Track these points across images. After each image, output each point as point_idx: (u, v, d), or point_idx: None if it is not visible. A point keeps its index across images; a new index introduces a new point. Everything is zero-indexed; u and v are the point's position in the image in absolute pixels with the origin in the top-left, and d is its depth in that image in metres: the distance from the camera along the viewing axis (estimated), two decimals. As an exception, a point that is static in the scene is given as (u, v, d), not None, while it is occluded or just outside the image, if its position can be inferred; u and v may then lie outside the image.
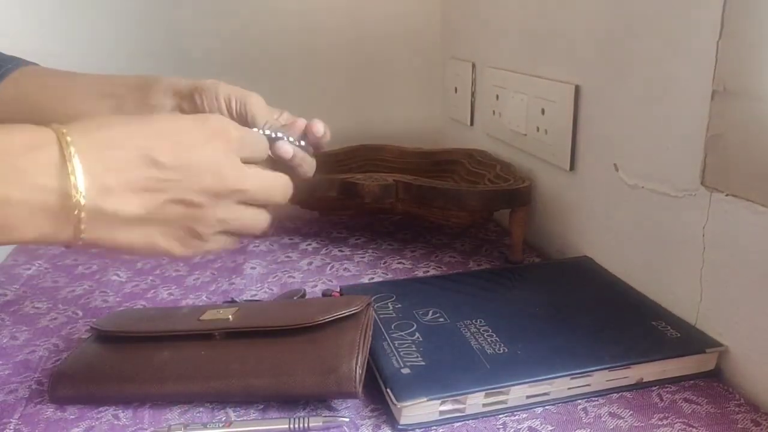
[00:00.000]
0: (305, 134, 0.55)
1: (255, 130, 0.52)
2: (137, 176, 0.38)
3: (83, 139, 0.37)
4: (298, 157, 0.53)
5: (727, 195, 0.55)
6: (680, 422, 0.50)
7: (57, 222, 0.36)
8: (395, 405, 0.49)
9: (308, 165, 0.55)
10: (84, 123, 0.39)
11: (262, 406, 0.53)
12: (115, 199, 0.38)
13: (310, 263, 0.83)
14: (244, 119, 0.54)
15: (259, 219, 0.47)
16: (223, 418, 0.52)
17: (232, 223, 0.45)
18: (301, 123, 0.56)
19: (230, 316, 0.57)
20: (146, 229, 0.40)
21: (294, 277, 0.79)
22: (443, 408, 0.50)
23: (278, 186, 0.48)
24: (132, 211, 0.38)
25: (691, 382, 0.55)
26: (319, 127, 0.55)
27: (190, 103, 0.56)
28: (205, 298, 0.74)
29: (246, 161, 0.45)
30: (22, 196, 0.35)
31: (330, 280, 0.78)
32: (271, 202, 0.48)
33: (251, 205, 0.46)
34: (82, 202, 0.36)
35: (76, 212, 0.36)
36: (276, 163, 0.53)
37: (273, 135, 0.53)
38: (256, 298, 0.74)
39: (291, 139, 0.54)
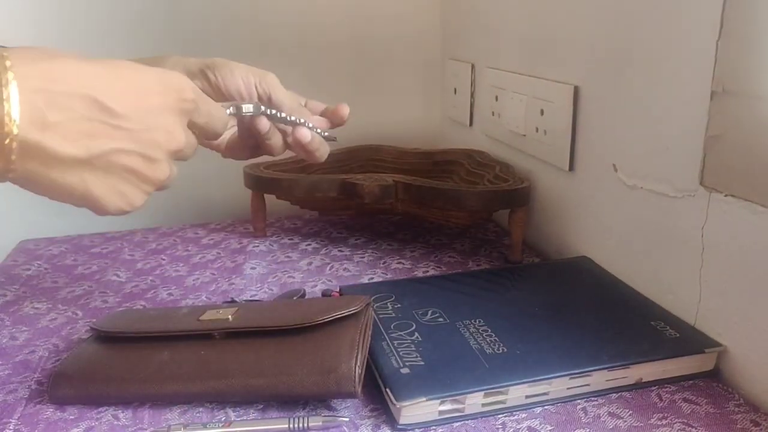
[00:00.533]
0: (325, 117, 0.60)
1: (274, 112, 0.55)
2: (82, 117, 0.35)
3: (27, 67, 0.34)
4: (316, 142, 0.58)
5: (726, 195, 0.55)
6: (679, 422, 0.50)
7: None
8: (394, 405, 0.49)
9: (323, 150, 0.60)
10: (34, 50, 0.35)
11: (261, 406, 0.53)
12: (55, 136, 0.35)
13: (310, 263, 0.84)
14: (265, 98, 0.57)
15: (173, 175, 0.43)
16: (223, 418, 0.52)
17: (165, 182, 0.42)
18: (320, 105, 0.58)
19: (230, 316, 0.57)
20: (84, 174, 0.37)
21: (294, 277, 0.79)
22: (442, 408, 0.50)
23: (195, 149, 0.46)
24: (72, 153, 0.35)
25: (691, 382, 0.55)
26: (346, 111, 0.63)
27: (203, 80, 0.55)
28: (204, 298, 0.74)
29: (193, 126, 0.44)
30: None
31: (330, 280, 0.78)
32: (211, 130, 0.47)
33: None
34: (15, 132, 0.33)
35: (7, 141, 0.33)
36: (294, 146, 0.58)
37: (293, 119, 0.56)
38: (255, 298, 0.74)
39: (310, 124, 0.58)
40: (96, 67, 0.37)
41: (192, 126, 0.44)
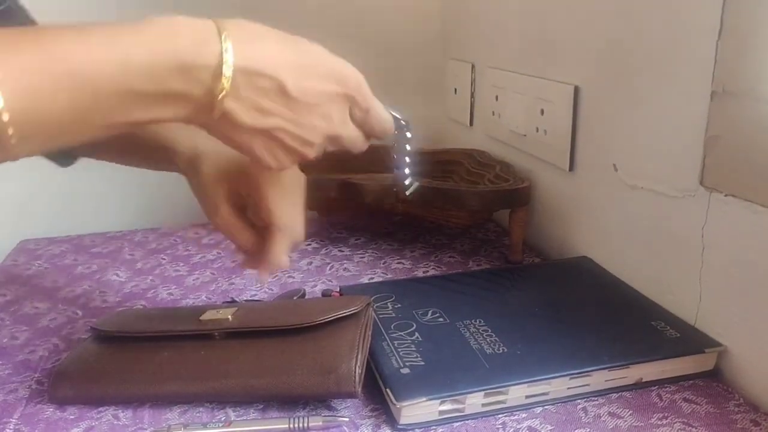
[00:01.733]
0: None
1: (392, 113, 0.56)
2: (266, 96, 0.43)
3: (237, 46, 0.41)
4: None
5: (726, 195, 0.55)
6: (679, 422, 0.50)
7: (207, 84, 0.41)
8: (395, 405, 0.49)
9: None
10: (243, 29, 0.43)
11: (261, 406, 0.53)
12: (242, 107, 0.42)
13: (310, 263, 0.84)
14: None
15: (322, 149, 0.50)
16: (223, 418, 0.52)
17: (313, 157, 0.50)
18: None
19: (230, 316, 0.57)
20: (253, 137, 0.45)
21: (294, 277, 0.79)
22: (443, 408, 0.50)
23: (360, 142, 0.52)
24: (249, 123, 0.43)
25: (691, 381, 0.55)
26: None
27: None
28: (204, 298, 0.74)
29: (356, 121, 0.50)
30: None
31: (330, 280, 0.78)
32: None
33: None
34: (224, 92, 0.41)
35: (219, 97, 0.41)
36: None
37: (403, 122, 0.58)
38: (255, 298, 0.74)
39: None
40: (287, 52, 0.45)
41: (353, 119, 0.50)
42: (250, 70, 0.42)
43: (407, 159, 0.58)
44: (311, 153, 0.49)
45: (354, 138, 0.51)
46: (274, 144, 0.46)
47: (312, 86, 0.45)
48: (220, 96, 0.41)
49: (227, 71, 0.40)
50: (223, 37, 0.41)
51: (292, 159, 0.49)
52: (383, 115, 0.54)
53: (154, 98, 0.40)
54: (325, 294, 0.71)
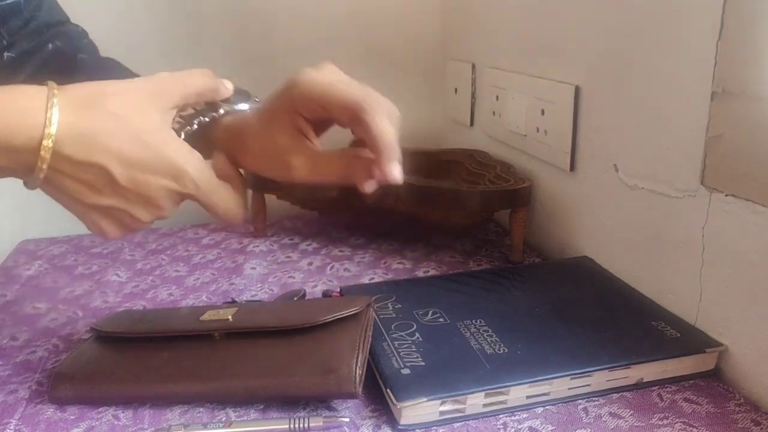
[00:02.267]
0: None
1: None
2: (92, 180, 0.44)
3: (67, 131, 0.42)
4: None
5: (726, 195, 0.55)
6: (680, 422, 0.50)
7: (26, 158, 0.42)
8: (395, 405, 0.49)
9: None
10: (77, 101, 0.43)
11: (262, 407, 0.53)
12: (69, 183, 0.43)
13: (311, 263, 0.84)
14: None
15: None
16: (223, 419, 0.52)
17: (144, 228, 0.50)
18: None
19: (230, 317, 0.57)
20: (84, 210, 0.46)
21: (294, 278, 0.79)
22: (443, 408, 0.50)
23: (224, 207, 0.50)
24: (79, 198, 0.44)
25: (691, 381, 0.55)
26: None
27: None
28: (205, 299, 0.74)
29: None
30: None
31: (330, 281, 0.78)
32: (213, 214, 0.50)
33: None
34: (51, 146, 0.41)
35: (42, 153, 0.41)
36: None
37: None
38: (256, 298, 0.74)
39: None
40: (123, 143, 0.43)
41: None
42: (76, 159, 0.42)
43: None
44: (141, 227, 0.49)
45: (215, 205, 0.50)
46: (106, 219, 0.47)
47: (144, 180, 0.45)
48: (40, 175, 0.42)
49: (45, 154, 0.41)
50: (49, 120, 0.41)
51: (123, 231, 0.49)
52: (226, 203, 0.50)
53: None
54: (326, 294, 0.71)
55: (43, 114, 0.41)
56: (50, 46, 0.64)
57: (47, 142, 0.41)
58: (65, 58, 0.64)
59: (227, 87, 0.52)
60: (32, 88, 0.42)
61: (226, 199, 0.50)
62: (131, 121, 0.44)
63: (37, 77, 0.53)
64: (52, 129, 0.41)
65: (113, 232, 0.48)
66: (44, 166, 0.42)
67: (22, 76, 0.62)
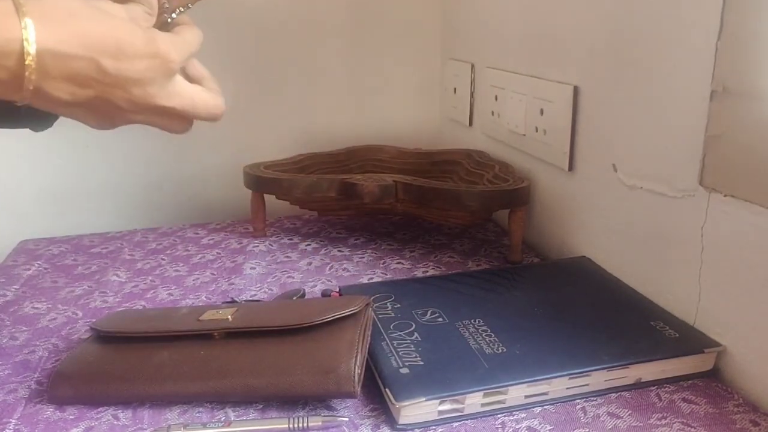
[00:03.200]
0: None
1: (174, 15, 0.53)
2: (78, 72, 0.43)
3: (43, 26, 0.41)
4: None
5: (725, 195, 0.55)
6: (679, 422, 0.50)
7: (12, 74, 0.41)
8: (394, 405, 0.50)
9: None
10: (52, 9, 0.42)
11: (261, 406, 0.53)
12: (55, 84, 0.43)
13: (310, 263, 0.84)
14: None
15: (175, 127, 0.51)
16: (223, 418, 0.52)
17: (150, 123, 0.50)
18: None
19: (229, 317, 0.57)
20: (72, 108, 0.46)
21: (293, 277, 0.79)
22: (442, 408, 0.51)
23: (204, 106, 0.51)
24: (63, 98, 0.44)
25: (690, 381, 0.55)
26: None
27: None
28: (204, 298, 0.74)
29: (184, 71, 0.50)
30: None
31: (329, 280, 0.78)
32: (196, 118, 0.51)
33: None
34: (33, 67, 0.41)
35: (26, 74, 0.41)
36: None
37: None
38: (255, 298, 0.74)
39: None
40: (101, 27, 0.44)
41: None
42: (61, 52, 0.42)
43: None
44: (123, 122, 0.49)
45: (197, 102, 0.50)
46: (92, 111, 0.47)
47: (129, 61, 0.45)
48: (27, 79, 0.41)
49: (29, 58, 0.40)
50: (23, 20, 0.40)
51: (109, 123, 0.49)
52: (192, 39, 0.51)
53: None
54: (325, 294, 0.72)
55: (18, 26, 0.40)
56: None
57: (29, 47, 0.40)
58: None
59: None
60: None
61: (194, 42, 0.51)
62: (101, 10, 0.45)
63: None
64: (29, 34, 0.40)
65: (102, 125, 0.49)
66: (33, 75, 0.41)
67: None
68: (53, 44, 0.41)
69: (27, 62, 0.40)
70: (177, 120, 0.51)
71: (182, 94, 0.49)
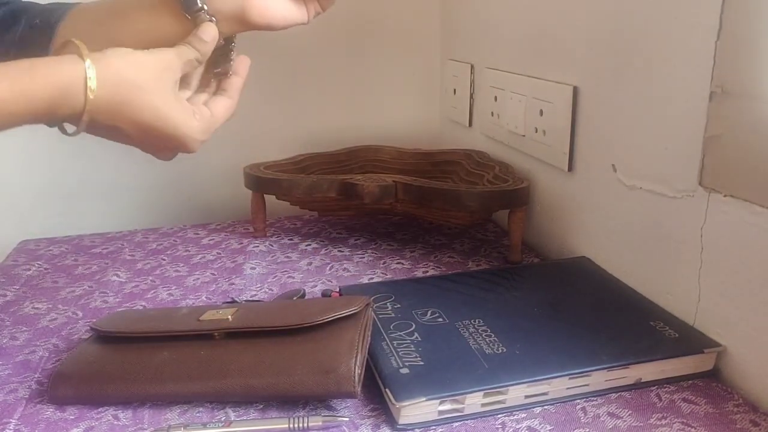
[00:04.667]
0: None
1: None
2: (113, 135, 0.51)
3: (101, 91, 0.47)
4: None
5: (725, 196, 0.55)
6: (679, 422, 0.50)
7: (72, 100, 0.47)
8: (394, 405, 0.50)
9: None
10: (107, 73, 0.48)
11: (261, 406, 0.53)
12: (95, 131, 0.50)
13: (310, 263, 0.84)
14: None
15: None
16: (223, 418, 0.52)
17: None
18: None
19: (230, 317, 0.57)
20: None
21: (293, 278, 0.79)
22: (442, 408, 0.51)
23: (223, 119, 0.57)
24: (106, 137, 0.52)
25: (690, 382, 0.55)
26: None
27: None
28: (204, 299, 0.74)
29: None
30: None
31: (329, 281, 0.78)
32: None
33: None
34: (92, 96, 0.47)
35: (84, 118, 0.48)
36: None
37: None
38: (255, 298, 0.74)
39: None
40: (141, 105, 0.50)
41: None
42: (103, 124, 0.49)
43: None
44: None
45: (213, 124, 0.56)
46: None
47: (154, 142, 0.52)
48: (72, 134, 0.50)
49: (86, 119, 0.48)
50: (89, 96, 0.47)
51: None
52: (226, 115, 0.58)
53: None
54: (325, 294, 0.72)
55: (82, 89, 0.46)
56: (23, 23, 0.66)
57: (86, 117, 0.47)
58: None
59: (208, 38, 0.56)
60: (66, 59, 0.47)
61: (223, 117, 0.57)
62: (150, 92, 0.50)
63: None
64: (90, 106, 0.47)
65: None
66: (82, 130, 0.49)
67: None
68: (96, 116, 0.48)
69: (79, 129, 0.49)
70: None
71: (200, 136, 0.54)
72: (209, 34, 0.55)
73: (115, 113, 0.49)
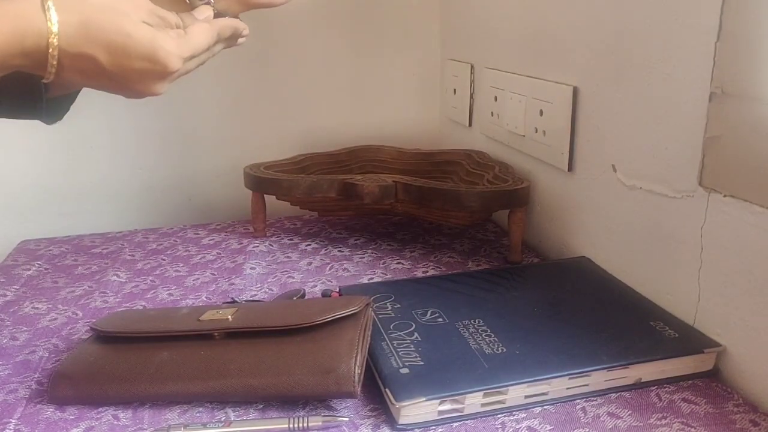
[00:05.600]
0: None
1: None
2: (83, 68, 0.47)
3: (62, 14, 0.46)
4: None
5: (725, 196, 0.55)
6: (678, 422, 0.50)
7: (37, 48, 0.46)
8: (394, 405, 0.50)
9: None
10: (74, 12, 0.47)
11: (261, 406, 0.53)
12: (67, 75, 0.47)
13: (310, 263, 0.84)
14: None
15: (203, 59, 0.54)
16: (223, 418, 0.52)
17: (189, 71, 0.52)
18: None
19: (230, 317, 0.57)
20: (91, 86, 0.50)
21: (293, 278, 0.79)
22: (442, 408, 0.51)
23: (201, 45, 0.52)
24: (75, 82, 0.48)
25: (690, 382, 0.55)
26: None
27: None
28: (204, 299, 0.74)
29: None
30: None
31: (329, 281, 0.78)
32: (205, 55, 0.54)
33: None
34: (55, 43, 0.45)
35: (51, 55, 0.46)
36: None
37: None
38: (255, 298, 0.74)
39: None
40: (108, 20, 0.47)
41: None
42: (71, 52, 0.46)
43: None
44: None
45: (195, 46, 0.52)
46: (114, 88, 0.50)
47: (129, 65, 0.48)
48: (52, 70, 0.46)
49: (54, 52, 0.46)
50: (50, 21, 0.45)
51: (136, 89, 0.51)
52: (203, 40, 0.53)
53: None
54: (325, 294, 0.72)
55: (43, 17, 0.45)
56: None
57: (53, 40, 0.45)
58: None
59: None
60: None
61: (201, 39, 0.53)
62: (115, 10, 0.48)
63: None
64: (54, 28, 0.45)
65: (129, 96, 0.51)
66: (54, 62, 0.46)
67: None
68: (66, 45, 0.46)
69: (50, 62, 0.46)
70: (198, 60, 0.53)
71: (180, 56, 0.50)
72: (204, 15, 0.54)
73: (82, 37, 0.47)
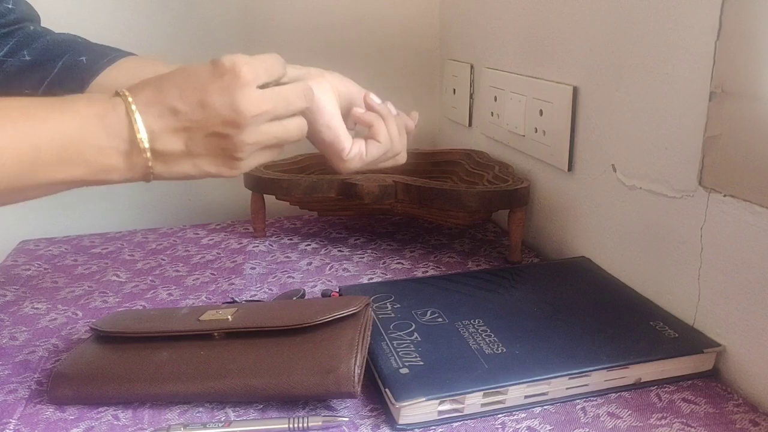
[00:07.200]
0: None
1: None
2: (169, 123, 0.47)
3: (138, 98, 0.47)
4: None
5: (725, 195, 0.55)
6: (678, 422, 0.50)
7: (132, 163, 0.48)
8: (394, 405, 0.50)
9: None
10: (136, 86, 0.48)
11: (261, 406, 0.53)
12: (161, 140, 0.47)
13: (310, 263, 0.84)
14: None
15: (291, 128, 0.52)
16: (223, 418, 0.52)
17: (266, 141, 0.50)
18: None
19: (229, 317, 0.57)
20: (194, 160, 0.49)
21: (293, 278, 0.79)
22: (442, 408, 0.51)
23: (295, 95, 0.51)
24: (175, 148, 0.48)
25: (690, 382, 0.55)
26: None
27: None
28: (204, 299, 0.74)
29: (266, 85, 0.50)
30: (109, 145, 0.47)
31: (329, 281, 0.78)
32: (296, 111, 0.52)
33: (281, 119, 0.51)
34: (146, 145, 0.47)
35: (144, 155, 0.47)
36: None
37: None
38: (255, 298, 0.74)
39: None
40: (165, 81, 0.48)
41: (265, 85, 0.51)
42: (148, 110, 0.47)
43: None
44: (251, 140, 0.50)
45: (288, 95, 0.51)
46: (214, 155, 0.50)
47: (193, 92, 0.48)
48: (143, 145, 0.47)
49: (139, 121, 0.47)
50: (133, 116, 0.47)
51: (240, 159, 0.50)
52: (273, 59, 0.52)
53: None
54: (325, 294, 0.72)
55: (120, 99, 0.47)
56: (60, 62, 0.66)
57: (144, 146, 0.47)
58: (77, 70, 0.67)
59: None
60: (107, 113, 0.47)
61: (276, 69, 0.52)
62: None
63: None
64: (143, 135, 0.46)
65: (224, 170, 0.51)
66: (150, 160, 0.47)
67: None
68: (148, 98, 0.47)
69: (146, 156, 0.47)
70: (283, 124, 0.51)
71: (271, 96, 0.49)
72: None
73: (155, 89, 0.47)
